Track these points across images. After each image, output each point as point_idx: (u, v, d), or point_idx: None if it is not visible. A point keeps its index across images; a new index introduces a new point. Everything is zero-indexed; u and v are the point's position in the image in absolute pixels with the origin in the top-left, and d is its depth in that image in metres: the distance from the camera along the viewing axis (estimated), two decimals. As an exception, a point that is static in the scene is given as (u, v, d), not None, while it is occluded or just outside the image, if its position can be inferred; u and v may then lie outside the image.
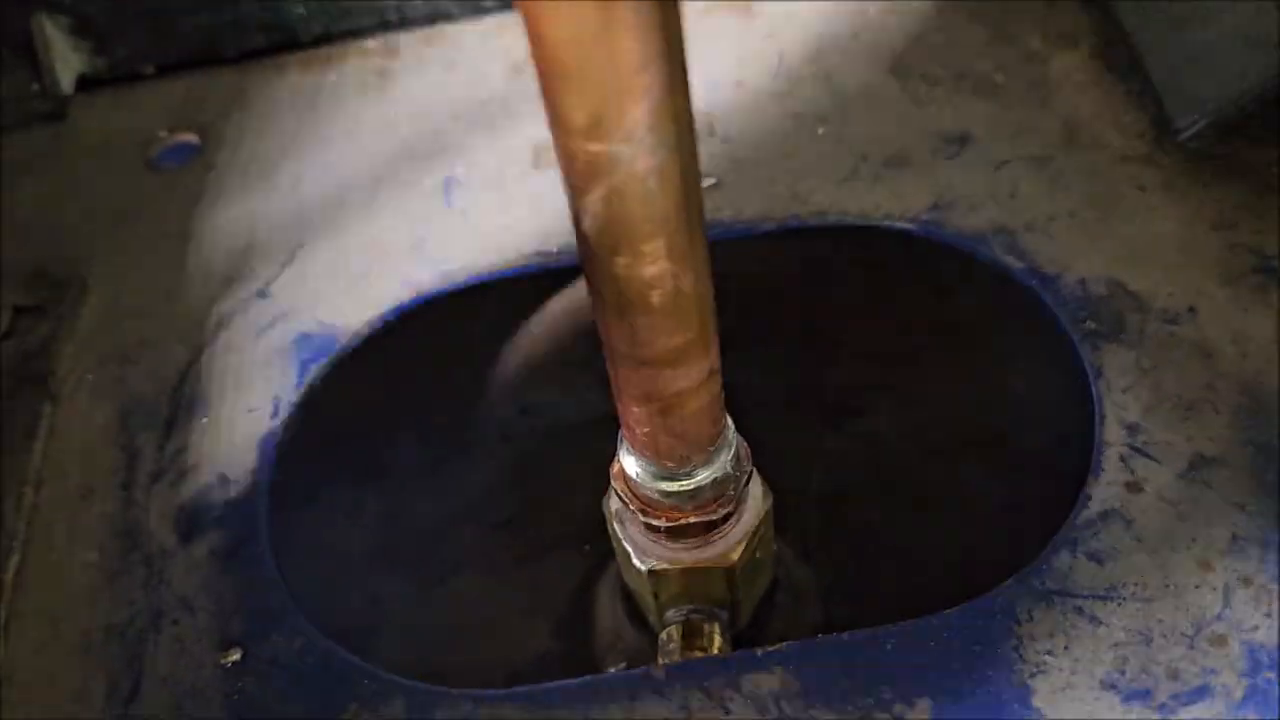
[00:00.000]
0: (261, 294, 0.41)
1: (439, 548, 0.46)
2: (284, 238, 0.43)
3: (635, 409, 0.33)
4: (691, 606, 0.40)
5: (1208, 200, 0.39)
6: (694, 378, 0.32)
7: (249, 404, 0.38)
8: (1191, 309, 0.36)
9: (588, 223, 0.28)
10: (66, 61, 0.49)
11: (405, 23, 0.49)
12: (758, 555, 0.40)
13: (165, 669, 0.33)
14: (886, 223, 0.41)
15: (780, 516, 0.39)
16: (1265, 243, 0.38)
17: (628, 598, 0.44)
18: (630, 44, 0.23)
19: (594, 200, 0.27)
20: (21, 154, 0.47)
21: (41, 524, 0.36)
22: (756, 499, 0.39)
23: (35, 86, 0.48)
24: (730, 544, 0.38)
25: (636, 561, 0.38)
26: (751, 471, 0.38)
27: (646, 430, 0.34)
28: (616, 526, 0.39)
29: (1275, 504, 0.32)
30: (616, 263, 0.28)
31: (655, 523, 0.37)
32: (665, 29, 0.23)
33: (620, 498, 0.38)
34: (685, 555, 0.38)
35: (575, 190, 0.27)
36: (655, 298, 0.29)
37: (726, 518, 0.38)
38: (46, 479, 0.37)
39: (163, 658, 0.33)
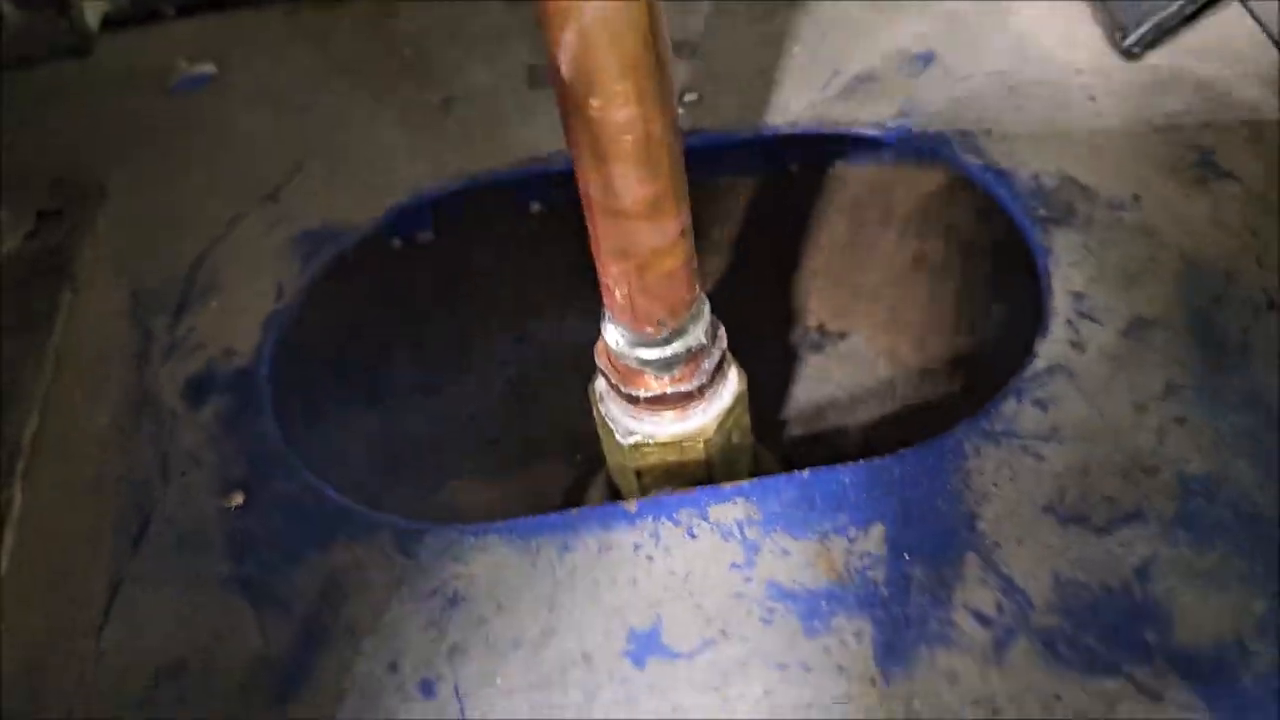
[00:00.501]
0: (270, 197, 0.43)
1: (436, 451, 0.49)
2: (292, 151, 0.45)
3: (613, 268, 0.35)
4: (671, 488, 0.42)
5: (1152, 106, 0.41)
6: (667, 234, 0.34)
7: (255, 289, 0.40)
8: (1136, 197, 0.39)
9: (564, 65, 0.30)
10: (93, 1, 0.52)
11: None
12: (734, 439, 0.42)
13: (171, 510, 0.35)
14: (856, 130, 0.44)
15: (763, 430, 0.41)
16: (1203, 139, 0.40)
17: (615, 493, 0.46)
18: None
19: (569, 39, 0.29)
20: (50, 84, 0.50)
21: (59, 392, 0.38)
22: (732, 380, 0.41)
23: (64, 24, 0.51)
24: (707, 419, 0.40)
25: (619, 438, 0.40)
26: (726, 351, 0.40)
27: (624, 291, 0.36)
28: (600, 407, 0.41)
29: (1209, 354, 0.34)
30: (591, 105, 0.30)
31: (635, 393, 0.39)
32: None
33: (604, 374, 0.40)
34: (664, 430, 0.40)
35: (551, 31, 0.30)
36: (627, 143, 0.31)
37: (702, 390, 0.40)
38: (64, 354, 0.39)
39: (170, 501, 0.35)
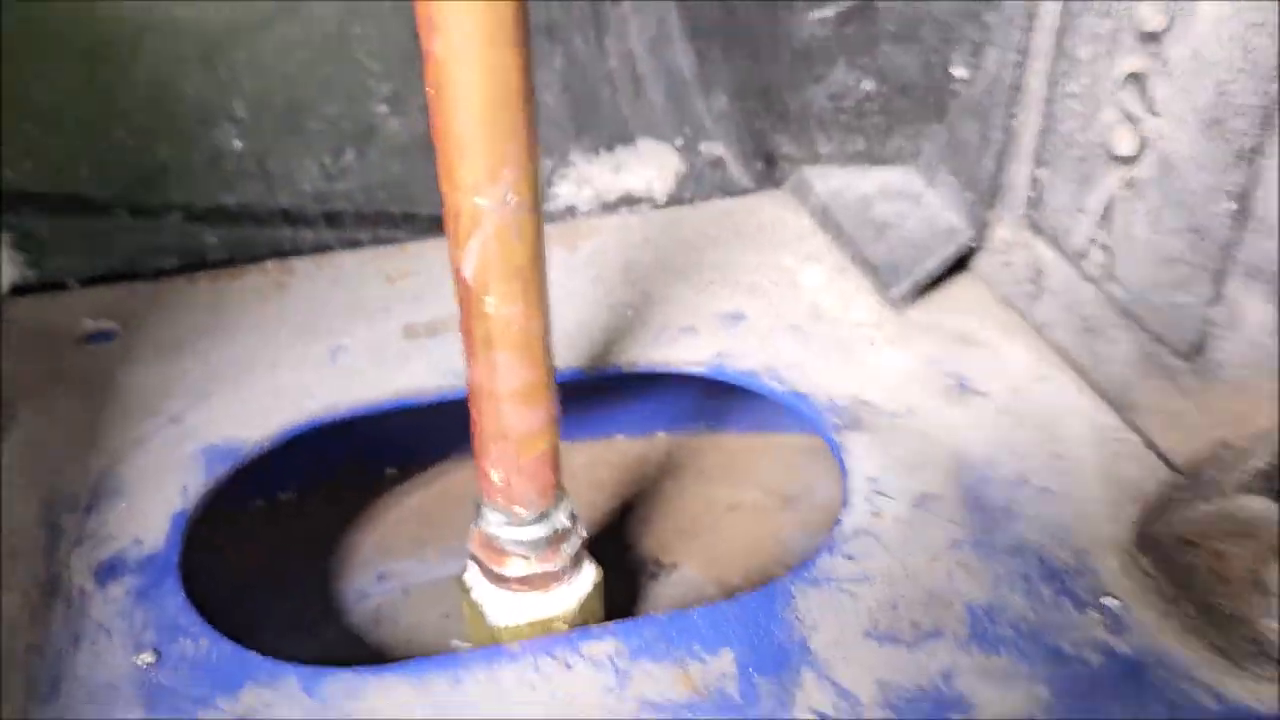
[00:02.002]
0: (174, 420, 0.47)
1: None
2: (194, 389, 0.49)
3: (493, 450, 0.40)
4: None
5: (917, 345, 0.51)
6: (540, 418, 0.40)
7: (161, 493, 0.43)
8: (910, 409, 0.47)
9: (468, 268, 0.36)
10: (4, 269, 0.56)
11: (298, 251, 0.59)
12: (591, 624, 0.46)
13: (83, 672, 0.36)
14: (680, 368, 0.51)
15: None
16: (959, 368, 0.49)
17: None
18: (503, 127, 0.33)
19: (473, 246, 0.36)
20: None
21: None
22: (590, 569, 0.45)
23: None
24: (569, 600, 0.44)
25: (489, 619, 0.43)
26: (584, 539, 0.44)
27: (502, 474, 0.41)
28: (471, 594, 0.44)
29: (982, 518, 0.41)
30: (486, 301, 0.37)
31: (506, 573, 0.43)
32: (527, 126, 0.33)
33: (477, 560, 0.44)
34: (529, 610, 0.43)
35: (460, 241, 0.36)
36: (513, 334, 0.37)
37: (564, 571, 0.44)
38: None
39: (81, 664, 0.36)
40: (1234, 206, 0.37)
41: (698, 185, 0.63)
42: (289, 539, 0.56)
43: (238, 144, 0.55)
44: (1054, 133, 0.44)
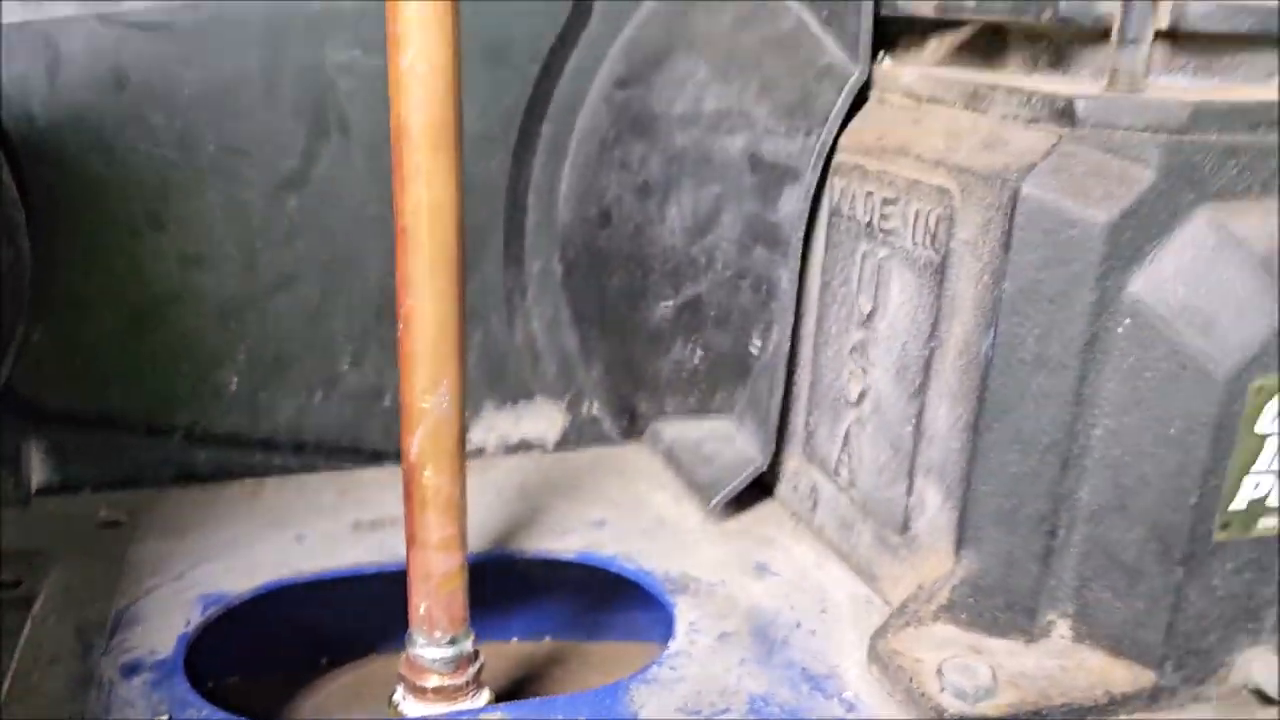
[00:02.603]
0: (177, 578, 0.61)
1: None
2: (191, 559, 0.63)
3: (420, 587, 0.55)
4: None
5: (733, 544, 0.68)
6: (455, 563, 0.55)
7: (169, 622, 0.57)
8: (723, 581, 0.63)
9: (413, 451, 0.52)
10: (35, 473, 0.71)
11: (268, 473, 0.74)
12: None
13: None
14: (557, 555, 0.67)
15: None
16: (761, 559, 0.66)
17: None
18: (443, 353, 0.51)
19: (419, 435, 0.52)
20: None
21: (21, 675, 0.52)
22: (485, 692, 0.58)
23: (13, 483, 0.69)
24: (476, 704, 0.57)
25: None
26: (482, 664, 0.58)
27: (426, 605, 0.55)
28: (398, 708, 0.57)
29: (767, 646, 0.57)
30: (425, 474, 0.52)
31: (425, 685, 0.56)
32: (459, 355, 0.51)
33: (403, 678, 0.57)
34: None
35: (410, 429, 0.52)
36: (441, 499, 0.53)
37: (469, 685, 0.57)
38: (25, 656, 0.53)
39: (111, 723, 0.49)
40: (913, 427, 0.56)
41: (579, 435, 0.81)
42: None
43: (234, 384, 0.72)
44: (818, 387, 0.64)
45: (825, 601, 0.61)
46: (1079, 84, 0.50)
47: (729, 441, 0.71)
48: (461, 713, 0.53)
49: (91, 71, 0.64)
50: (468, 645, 0.56)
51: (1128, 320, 0.47)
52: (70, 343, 0.69)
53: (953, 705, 0.49)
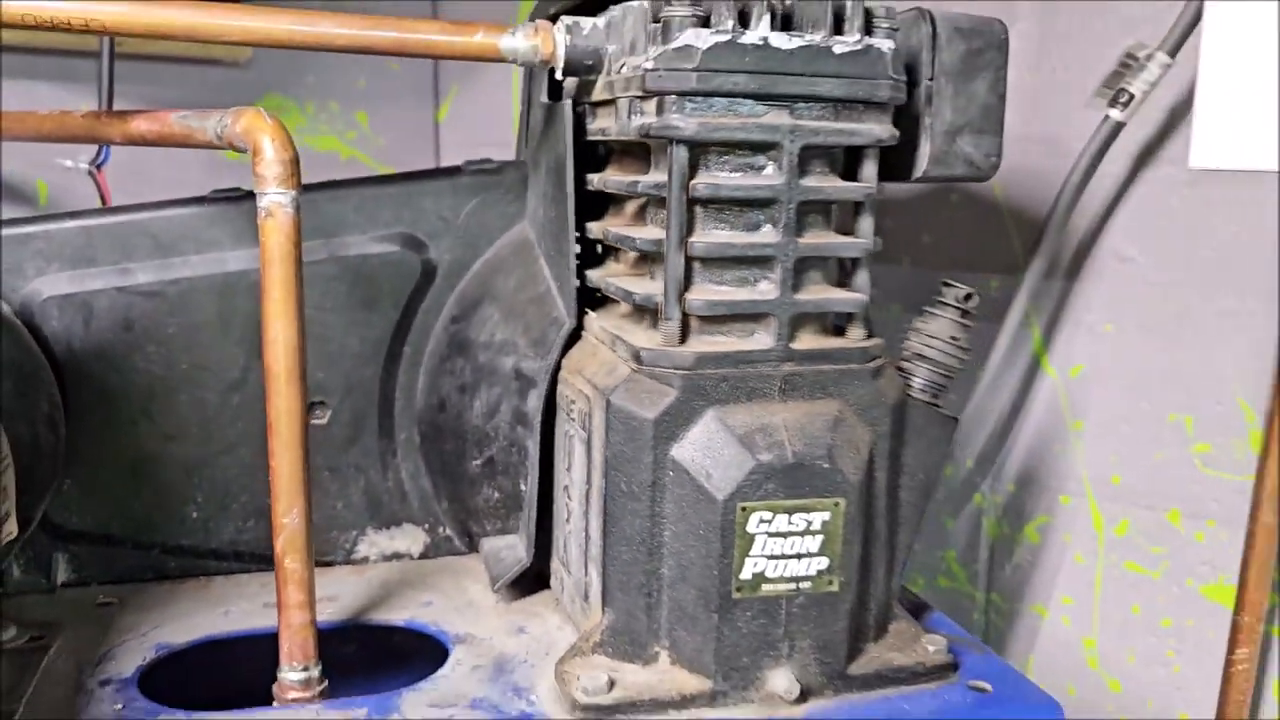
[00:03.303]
0: (143, 635, 0.94)
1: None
2: (153, 624, 0.97)
3: (285, 633, 0.88)
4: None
5: (510, 613, 1.01)
6: (306, 617, 0.88)
7: (132, 659, 0.90)
8: (490, 637, 0.96)
9: (280, 549, 0.86)
10: (60, 572, 1.05)
11: (218, 572, 1.09)
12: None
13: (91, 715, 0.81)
14: (388, 622, 1.00)
15: None
16: (525, 623, 0.99)
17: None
18: (293, 488, 0.85)
19: (282, 540, 0.86)
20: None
21: (39, 689, 0.85)
22: (329, 706, 0.91)
23: (44, 582, 1.04)
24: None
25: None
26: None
27: (289, 645, 0.88)
28: None
29: (505, 683, 0.90)
30: (286, 562, 0.86)
31: (287, 698, 0.88)
32: (302, 484, 0.86)
33: (275, 699, 0.89)
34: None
35: (276, 537, 0.86)
36: (296, 578, 0.86)
37: (314, 698, 0.89)
38: (40, 682, 0.87)
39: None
40: (584, 535, 0.90)
41: (436, 549, 1.14)
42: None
43: (195, 514, 1.07)
44: (560, 513, 0.99)
45: (551, 649, 0.93)
46: (650, 339, 0.86)
47: (514, 550, 1.05)
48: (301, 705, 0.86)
49: (110, 319, 1.00)
50: (315, 673, 0.89)
51: (671, 471, 0.82)
52: (86, 488, 1.03)
53: (580, 698, 0.82)
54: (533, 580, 0.98)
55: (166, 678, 0.87)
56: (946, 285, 0.89)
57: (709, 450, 0.80)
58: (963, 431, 1.43)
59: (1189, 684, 1.24)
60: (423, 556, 1.08)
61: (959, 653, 0.91)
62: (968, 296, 0.89)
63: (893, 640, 0.90)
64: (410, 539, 1.12)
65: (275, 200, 0.78)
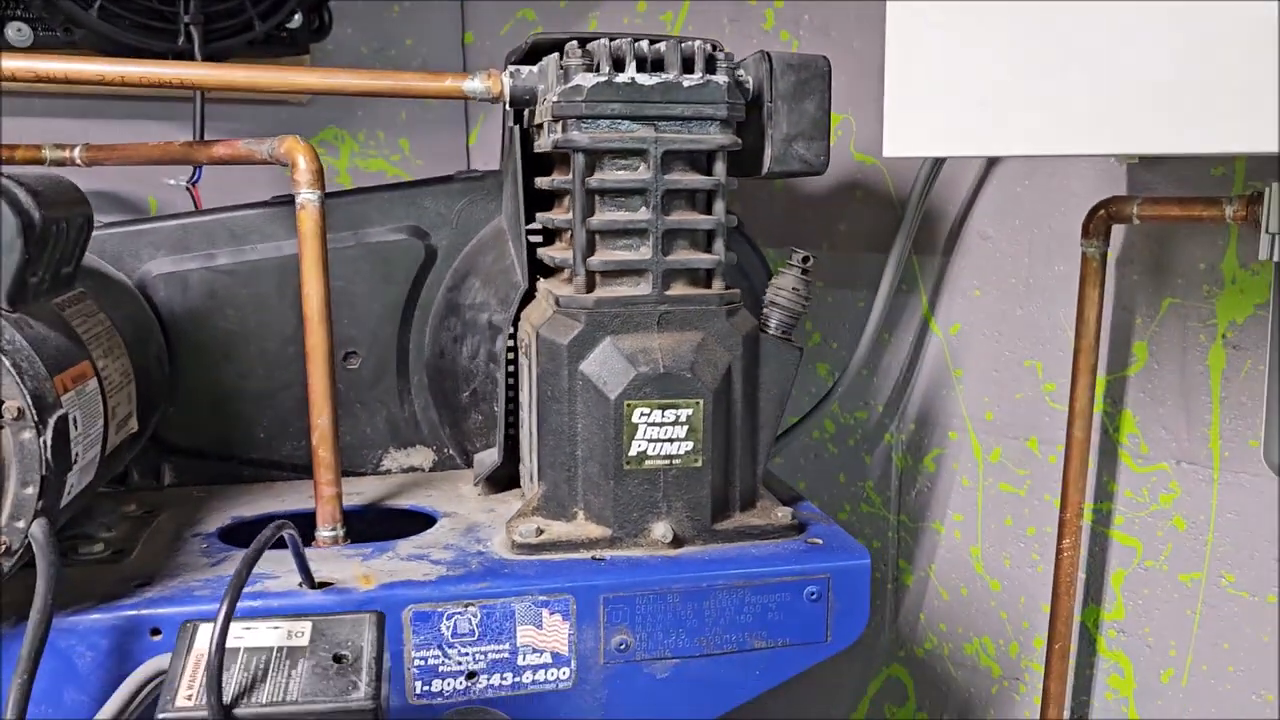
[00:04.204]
0: (222, 512, 1.29)
1: None
2: (237, 504, 1.32)
3: (320, 505, 1.21)
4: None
5: (488, 501, 1.33)
6: (334, 491, 1.21)
7: (215, 523, 1.24)
8: (469, 514, 1.29)
9: (315, 442, 1.20)
10: (166, 477, 1.41)
11: (277, 478, 1.43)
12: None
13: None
14: (397, 505, 1.33)
15: None
16: (496, 506, 1.31)
17: None
18: (321, 404, 1.19)
19: (315, 437, 1.20)
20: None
21: (154, 540, 1.20)
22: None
23: (154, 483, 1.39)
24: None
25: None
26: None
27: (321, 511, 1.21)
28: (312, 563, 1.23)
29: (468, 533, 1.22)
30: (320, 454, 1.20)
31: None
32: (330, 401, 1.20)
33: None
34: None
35: (312, 434, 1.20)
36: (324, 464, 1.20)
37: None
38: (149, 538, 1.22)
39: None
40: (530, 434, 1.22)
41: (443, 465, 1.46)
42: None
43: (262, 434, 1.41)
44: (524, 426, 1.31)
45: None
46: (567, 290, 1.18)
47: (493, 455, 1.38)
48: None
49: (200, 291, 1.33)
50: (341, 533, 1.23)
51: (580, 381, 1.14)
52: (184, 414, 1.34)
53: (518, 539, 1.14)
54: (506, 481, 1.27)
55: (238, 536, 1.20)
56: (792, 251, 1.20)
57: (605, 365, 1.12)
58: (874, 384, 1.72)
59: (1049, 579, 1.52)
60: (432, 470, 1.41)
61: (810, 524, 1.21)
62: (805, 259, 1.19)
63: (755, 512, 1.21)
64: (422, 457, 1.46)
65: (307, 197, 1.12)
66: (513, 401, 1.22)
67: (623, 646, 1.06)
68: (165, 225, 1.30)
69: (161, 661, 0.88)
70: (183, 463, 1.31)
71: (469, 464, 1.44)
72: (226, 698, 0.76)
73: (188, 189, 1.57)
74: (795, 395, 1.46)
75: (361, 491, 1.27)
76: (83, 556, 1.07)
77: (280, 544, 0.88)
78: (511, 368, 1.20)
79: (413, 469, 1.44)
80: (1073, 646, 1.44)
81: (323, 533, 1.08)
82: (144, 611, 0.97)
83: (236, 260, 1.28)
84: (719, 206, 1.13)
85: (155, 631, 0.96)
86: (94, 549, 1.07)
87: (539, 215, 1.24)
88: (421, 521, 1.15)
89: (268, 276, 1.24)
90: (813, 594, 1.10)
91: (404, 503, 1.20)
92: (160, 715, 0.75)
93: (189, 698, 0.77)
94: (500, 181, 1.40)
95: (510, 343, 1.20)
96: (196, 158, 1.27)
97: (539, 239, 1.21)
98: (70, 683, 0.95)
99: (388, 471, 1.42)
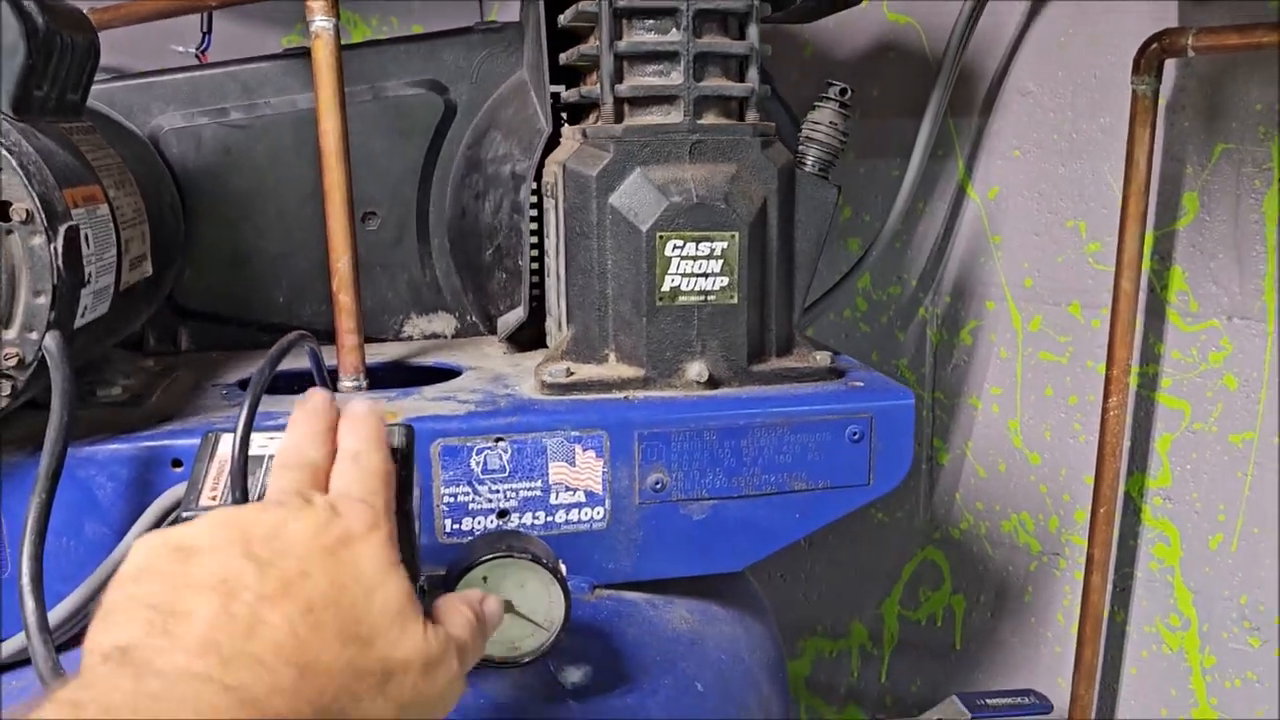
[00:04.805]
0: (230, 373, 1.26)
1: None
2: (243, 366, 1.28)
3: (341, 354, 1.18)
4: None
5: (512, 357, 1.30)
6: (355, 340, 1.18)
7: (235, 376, 1.22)
8: (494, 369, 1.25)
9: (336, 292, 1.16)
10: (183, 341, 1.38)
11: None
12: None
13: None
14: (421, 363, 1.30)
15: None
16: (523, 360, 1.27)
17: None
18: (341, 249, 1.15)
19: (335, 286, 1.16)
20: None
21: (172, 388, 1.17)
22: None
23: (171, 348, 1.36)
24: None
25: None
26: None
27: (343, 361, 1.18)
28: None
29: (495, 380, 1.18)
30: (341, 299, 1.16)
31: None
32: (350, 246, 1.16)
33: (337, 400, 1.20)
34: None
35: (333, 281, 1.16)
36: (346, 313, 1.17)
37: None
38: (172, 383, 1.19)
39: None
40: (556, 279, 1.18)
41: (465, 331, 1.43)
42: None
43: (281, 298, 1.37)
44: (549, 277, 1.27)
45: (537, 371, 1.22)
46: (595, 122, 1.13)
47: (517, 314, 1.34)
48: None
49: (213, 146, 1.28)
50: (364, 383, 1.19)
51: (609, 215, 1.09)
52: (199, 276, 1.26)
53: (547, 379, 1.10)
54: (531, 342, 1.23)
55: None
56: (829, 83, 1.15)
57: (635, 196, 1.07)
58: (907, 257, 1.68)
59: (1092, 449, 1.48)
60: (454, 337, 1.37)
61: (850, 371, 1.17)
62: (844, 90, 1.14)
63: (793, 356, 1.17)
64: (444, 323, 1.42)
65: (322, 25, 1.07)
66: (537, 249, 1.18)
67: (658, 486, 1.03)
68: (175, 78, 1.26)
69: (181, 491, 0.84)
70: (200, 328, 1.27)
71: (492, 330, 1.40)
72: (251, 499, 0.72)
73: (196, 56, 1.52)
74: (825, 273, 1.41)
75: (383, 353, 1.24)
76: (100, 399, 1.03)
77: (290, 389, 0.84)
78: (534, 212, 1.16)
79: (435, 335, 1.40)
80: (1116, 515, 1.40)
81: (345, 383, 1.04)
82: (164, 443, 0.94)
83: (250, 115, 1.24)
84: (753, 31, 1.08)
85: (176, 463, 0.93)
86: (112, 392, 1.04)
87: (562, 55, 1.19)
88: (446, 377, 1.11)
89: (283, 132, 1.20)
90: (855, 434, 1.06)
91: (428, 360, 1.16)
92: (184, 514, 0.71)
93: (213, 498, 0.73)
94: (520, 33, 1.35)
95: (534, 190, 1.15)
96: (208, 2, 1.22)
97: (562, 88, 1.16)
98: (91, 514, 0.92)
99: (409, 338, 1.39)
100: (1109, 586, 1.39)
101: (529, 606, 0.85)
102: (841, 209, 1.68)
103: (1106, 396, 1.33)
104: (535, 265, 1.21)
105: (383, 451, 0.58)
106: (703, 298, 1.07)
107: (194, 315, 1.34)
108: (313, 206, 1.30)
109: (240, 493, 0.74)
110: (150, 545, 0.48)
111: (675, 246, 1.05)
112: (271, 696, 0.41)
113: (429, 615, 0.52)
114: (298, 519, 0.50)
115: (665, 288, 1.06)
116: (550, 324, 1.23)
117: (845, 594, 1.71)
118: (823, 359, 1.13)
